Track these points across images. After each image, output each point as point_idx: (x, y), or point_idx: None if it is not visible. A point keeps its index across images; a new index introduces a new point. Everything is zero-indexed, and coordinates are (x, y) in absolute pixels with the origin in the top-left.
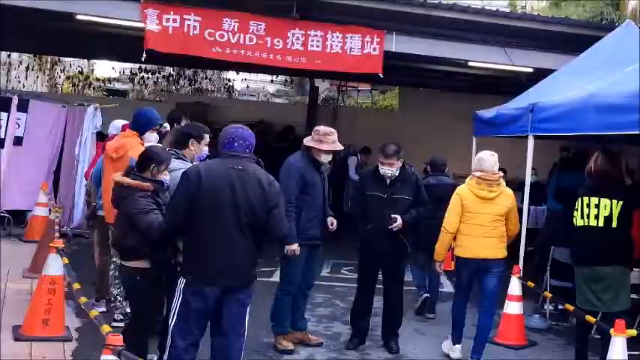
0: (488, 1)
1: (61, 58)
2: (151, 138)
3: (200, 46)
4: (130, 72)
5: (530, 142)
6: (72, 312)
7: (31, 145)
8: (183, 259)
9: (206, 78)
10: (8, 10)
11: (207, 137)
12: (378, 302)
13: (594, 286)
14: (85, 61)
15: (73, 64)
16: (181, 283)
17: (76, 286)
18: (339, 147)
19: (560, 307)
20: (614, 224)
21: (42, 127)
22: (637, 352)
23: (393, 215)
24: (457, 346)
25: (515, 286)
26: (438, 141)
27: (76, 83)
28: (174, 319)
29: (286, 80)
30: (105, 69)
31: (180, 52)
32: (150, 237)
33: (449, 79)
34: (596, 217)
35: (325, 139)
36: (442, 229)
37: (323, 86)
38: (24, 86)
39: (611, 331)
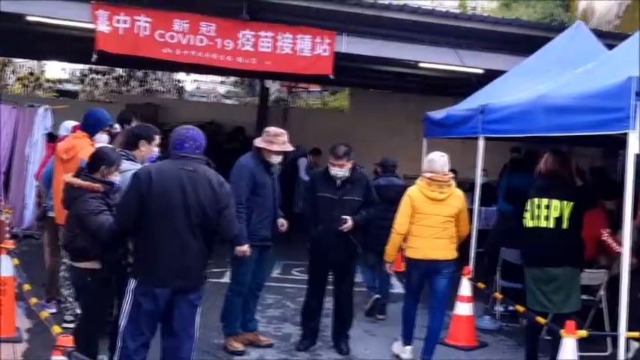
0: (438, 1)
1: (12, 59)
2: (102, 139)
3: (150, 47)
4: (81, 73)
5: (481, 143)
6: (22, 313)
7: None
8: (133, 260)
9: (156, 79)
10: None
11: (157, 138)
12: (328, 303)
13: (545, 287)
14: (36, 62)
15: (24, 65)
16: (132, 284)
17: (27, 287)
18: (290, 148)
19: (510, 308)
20: (565, 225)
21: None
22: (587, 354)
23: (343, 216)
24: (408, 347)
25: (465, 287)
26: (389, 142)
27: (27, 84)
28: (124, 320)
29: (236, 81)
30: (55, 70)
31: (131, 52)
32: (100, 238)
33: (399, 80)
34: (547, 218)
35: (276, 140)
36: (392, 230)
37: (273, 87)
38: None
39: (562, 332)
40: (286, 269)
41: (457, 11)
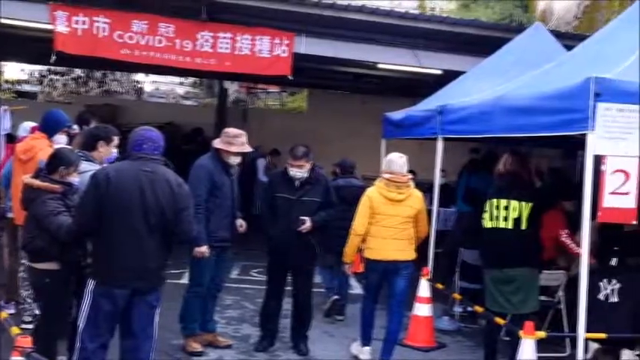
0: (397, 2)
1: None
2: (61, 140)
3: (109, 48)
4: (39, 74)
5: (440, 144)
6: None
7: None
8: (92, 261)
9: (115, 80)
10: None
11: (116, 139)
12: (287, 304)
13: (503, 288)
14: None
15: None
16: (90, 285)
17: None
18: (248, 149)
19: (469, 309)
20: (524, 226)
21: None
22: (546, 354)
23: (301, 217)
24: (366, 347)
25: (424, 288)
26: (347, 143)
27: None
28: (83, 321)
29: (195, 82)
30: (14, 71)
31: (90, 53)
32: (60, 239)
33: (358, 80)
34: (506, 218)
35: (234, 141)
36: (351, 231)
37: (232, 88)
38: None
39: (521, 332)
40: (245, 270)
41: (416, 12)
